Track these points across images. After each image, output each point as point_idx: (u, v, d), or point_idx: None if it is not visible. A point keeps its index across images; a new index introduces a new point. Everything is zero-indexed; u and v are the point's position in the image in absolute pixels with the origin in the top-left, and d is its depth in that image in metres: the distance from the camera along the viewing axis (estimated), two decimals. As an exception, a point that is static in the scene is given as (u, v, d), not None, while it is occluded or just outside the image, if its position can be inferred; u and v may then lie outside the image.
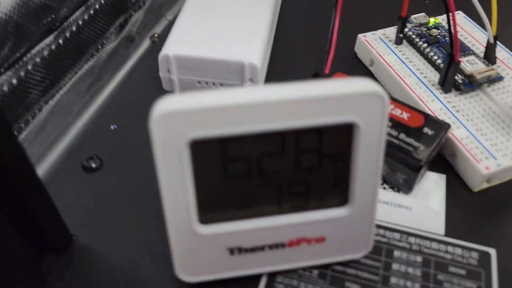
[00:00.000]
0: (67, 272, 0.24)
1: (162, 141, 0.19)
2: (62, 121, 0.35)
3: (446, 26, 0.33)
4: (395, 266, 0.24)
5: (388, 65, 0.32)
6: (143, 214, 0.26)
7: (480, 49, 0.33)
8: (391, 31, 0.35)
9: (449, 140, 0.28)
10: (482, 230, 0.26)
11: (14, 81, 0.31)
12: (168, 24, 0.43)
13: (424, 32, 0.33)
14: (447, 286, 0.23)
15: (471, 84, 0.30)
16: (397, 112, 0.28)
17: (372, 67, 0.34)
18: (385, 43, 0.34)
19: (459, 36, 0.34)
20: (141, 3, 0.43)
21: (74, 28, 0.35)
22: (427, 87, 0.31)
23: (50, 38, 0.33)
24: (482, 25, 0.31)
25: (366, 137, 0.20)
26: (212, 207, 0.21)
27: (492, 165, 0.26)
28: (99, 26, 0.37)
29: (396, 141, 0.26)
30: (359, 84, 0.19)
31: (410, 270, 0.24)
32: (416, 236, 0.25)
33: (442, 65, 0.31)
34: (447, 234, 0.25)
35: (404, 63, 0.32)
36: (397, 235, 0.25)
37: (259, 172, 0.20)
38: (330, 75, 0.30)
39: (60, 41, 0.34)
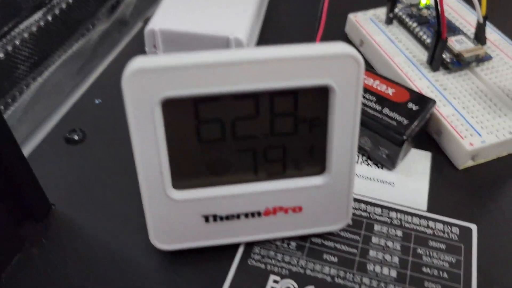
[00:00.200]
0: (44, 239, 0.24)
1: (133, 100, 0.19)
2: (52, 101, 0.35)
3: (437, 7, 0.32)
4: (374, 239, 0.24)
5: (378, 45, 0.32)
6: (123, 185, 0.26)
7: (471, 31, 0.32)
8: (381, 12, 0.34)
9: (435, 117, 0.28)
10: (465, 207, 0.25)
11: (1, 55, 0.31)
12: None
13: (414, 12, 0.33)
14: (426, 259, 0.23)
15: (459, 62, 0.30)
16: (382, 87, 0.27)
17: (362, 48, 0.34)
18: (375, 24, 0.34)
19: (450, 18, 0.33)
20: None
21: (63, 6, 0.35)
22: (415, 66, 0.30)
23: (39, 14, 0.33)
24: (474, 7, 0.31)
25: (342, 101, 0.20)
26: (186, 172, 0.21)
27: (477, 142, 0.26)
28: (89, 6, 0.37)
29: (379, 115, 0.26)
30: (334, 47, 0.19)
31: (390, 243, 0.24)
32: (397, 211, 0.25)
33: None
34: (430, 210, 0.25)
35: (393, 42, 0.32)
36: (378, 210, 0.25)
37: (234, 136, 0.20)
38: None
39: (49, 18, 0.34)
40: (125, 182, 0.26)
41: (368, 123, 0.26)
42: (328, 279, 0.22)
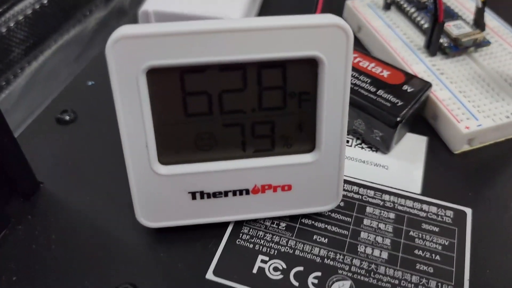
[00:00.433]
0: (31, 216, 0.23)
1: (118, 69, 0.18)
2: (47, 88, 0.35)
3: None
4: (366, 221, 0.23)
5: (375, 30, 0.32)
6: (113, 165, 0.25)
7: (470, 18, 0.32)
8: (379, -2, 0.34)
9: (431, 101, 0.27)
10: (460, 191, 0.25)
11: (-4, 37, 0.31)
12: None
13: (412, -2, 0.33)
14: (419, 242, 0.23)
15: (456, 47, 0.29)
16: (377, 70, 0.27)
17: (360, 34, 0.33)
18: (373, 9, 0.33)
19: (449, 4, 0.33)
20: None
21: (60, -10, 0.35)
22: (412, 51, 0.30)
23: (34, -3, 0.33)
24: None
25: (331, 74, 0.19)
26: (172, 146, 0.20)
27: (473, 125, 0.26)
28: (86, -9, 0.37)
29: (373, 97, 0.25)
30: (322, 18, 0.19)
31: (382, 226, 0.23)
32: (390, 193, 0.25)
33: (428, 29, 0.30)
34: (424, 193, 0.25)
35: (391, 28, 0.32)
36: (371, 192, 0.25)
37: (221, 110, 0.20)
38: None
39: (45, 1, 0.34)
40: (115, 162, 0.25)
41: (362, 105, 0.25)
42: (318, 260, 0.22)
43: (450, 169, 0.26)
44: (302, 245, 0.22)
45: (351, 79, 0.26)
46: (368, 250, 0.22)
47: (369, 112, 0.25)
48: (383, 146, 0.26)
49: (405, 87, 0.26)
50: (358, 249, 0.22)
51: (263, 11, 0.36)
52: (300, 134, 0.21)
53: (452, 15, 0.31)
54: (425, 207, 0.24)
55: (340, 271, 0.21)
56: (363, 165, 0.26)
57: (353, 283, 0.21)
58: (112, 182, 0.25)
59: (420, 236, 0.23)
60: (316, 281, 0.21)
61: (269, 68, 0.19)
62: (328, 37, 0.19)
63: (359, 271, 0.21)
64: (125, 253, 0.22)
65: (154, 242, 0.22)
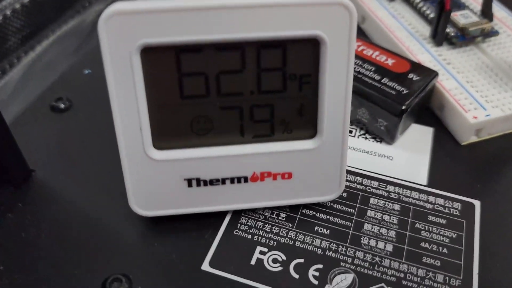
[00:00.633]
0: (21, 204, 0.22)
1: (111, 47, 0.17)
2: (45, 79, 0.34)
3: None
4: (370, 213, 0.22)
5: (380, 20, 0.31)
6: (107, 154, 0.24)
7: (477, 8, 0.31)
8: (384, -11, 0.33)
9: (437, 91, 0.26)
10: (467, 183, 0.24)
11: (-9, 24, 0.30)
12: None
13: (418, -12, 0.32)
14: (425, 234, 0.22)
15: (463, 36, 0.28)
16: (382, 58, 0.26)
17: (364, 24, 0.33)
18: (378, 1, 0.32)
19: (455, -6, 0.32)
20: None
21: (58, -21, 0.34)
22: (418, 41, 0.29)
23: (32, -14, 0.32)
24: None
25: (333, 55, 0.18)
26: (167, 130, 0.20)
27: (481, 115, 0.25)
28: (86, -19, 0.37)
29: (378, 85, 0.24)
30: (325, -5, 0.18)
31: (386, 217, 0.22)
32: (395, 184, 0.24)
33: (435, 19, 0.29)
34: (430, 185, 0.24)
35: (395, 18, 0.31)
36: (375, 183, 0.24)
37: (218, 92, 0.19)
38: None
39: (43, -10, 0.33)
40: (109, 151, 0.24)
41: (366, 93, 0.24)
42: (319, 251, 0.21)
43: (457, 161, 0.25)
44: (303, 236, 0.21)
45: (354, 67, 0.25)
46: (372, 242, 0.21)
47: (373, 100, 0.24)
48: (387, 136, 0.25)
49: (410, 75, 0.25)
50: (362, 241, 0.21)
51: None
52: (301, 119, 0.20)
53: (459, 5, 0.30)
54: (431, 198, 0.23)
55: (342, 264, 0.21)
56: (367, 155, 0.25)
57: (356, 276, 0.20)
58: (105, 170, 0.24)
59: (426, 229, 0.22)
60: (317, 273, 0.20)
61: (268, 48, 0.18)
62: (331, 15, 0.18)
63: (362, 264, 0.21)
64: (117, 243, 0.21)
65: (148, 232, 0.21)
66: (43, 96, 0.28)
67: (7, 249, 0.21)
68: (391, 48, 0.29)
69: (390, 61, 0.26)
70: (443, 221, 0.22)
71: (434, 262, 0.21)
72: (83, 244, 0.21)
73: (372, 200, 0.23)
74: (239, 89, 0.19)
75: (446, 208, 0.23)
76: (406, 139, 0.26)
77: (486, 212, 0.22)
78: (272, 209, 0.22)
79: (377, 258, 0.21)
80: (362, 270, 0.20)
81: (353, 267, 0.20)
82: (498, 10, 0.31)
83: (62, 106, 0.27)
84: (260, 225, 0.22)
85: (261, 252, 0.21)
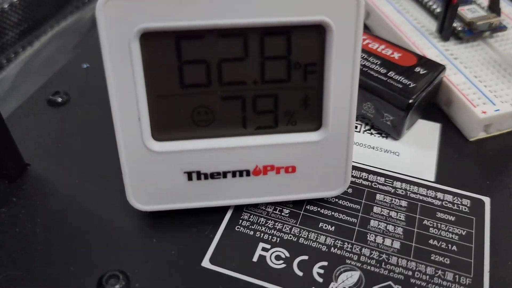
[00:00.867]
0: (15, 199, 0.22)
1: (108, 32, 0.17)
2: (43, 75, 0.34)
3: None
4: (376, 209, 0.22)
5: (385, 15, 0.30)
6: (104, 148, 0.24)
7: (484, 4, 0.30)
8: (389, -16, 0.33)
9: (445, 86, 0.25)
10: (477, 179, 0.23)
11: (-12, 18, 0.29)
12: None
13: (424, -17, 0.31)
14: (434, 231, 0.21)
15: (471, 31, 0.28)
16: (388, 51, 0.25)
17: (368, 20, 0.32)
18: (382, -4, 0.32)
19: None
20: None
21: (57, -26, 0.33)
22: (424, 35, 0.28)
23: (30, -20, 0.32)
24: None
25: (340, 42, 0.18)
26: (167, 120, 0.19)
27: (490, 110, 0.24)
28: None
29: (384, 78, 0.24)
30: (332, -20, 0.17)
31: (393, 214, 0.21)
32: (402, 180, 0.23)
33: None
34: (438, 181, 0.23)
35: (401, 13, 0.30)
36: (381, 179, 0.23)
37: (220, 81, 0.18)
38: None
39: (42, -15, 0.32)
40: (106, 145, 0.24)
41: (372, 87, 0.24)
42: (324, 248, 0.20)
43: (465, 157, 0.24)
44: (307, 233, 0.21)
45: (360, 61, 0.25)
46: (379, 239, 0.21)
47: (379, 94, 0.24)
48: (393, 131, 0.24)
49: (417, 69, 0.24)
50: (368, 238, 0.21)
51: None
52: (306, 110, 0.19)
53: (466, 0, 0.30)
54: (439, 195, 0.22)
55: (348, 261, 0.20)
56: (372, 151, 0.24)
57: (362, 274, 0.19)
58: (103, 165, 0.23)
59: (435, 225, 0.21)
60: (322, 271, 0.19)
61: (272, 35, 0.18)
62: (338, 1, 0.17)
63: (369, 261, 0.20)
64: (115, 238, 0.20)
65: (146, 227, 0.21)
66: (40, 90, 0.27)
67: (0, 244, 0.20)
68: (397, 44, 0.28)
69: (396, 55, 0.25)
70: (452, 218, 0.21)
71: (443, 260, 0.20)
72: (79, 240, 0.20)
73: (379, 196, 0.22)
74: (242, 78, 0.18)
75: (455, 204, 0.22)
76: (413, 135, 0.25)
77: (496, 209, 0.22)
78: (275, 204, 0.22)
79: (384, 256, 0.20)
80: (369, 267, 0.20)
81: (359, 264, 0.20)
82: (505, 6, 0.31)
83: (59, 100, 0.26)
84: (263, 221, 0.21)
85: (264, 249, 0.20)
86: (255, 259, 0.20)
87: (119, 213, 0.21)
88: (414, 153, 0.24)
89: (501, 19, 0.29)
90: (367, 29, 0.32)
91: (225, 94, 0.19)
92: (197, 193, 0.20)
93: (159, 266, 0.19)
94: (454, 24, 0.28)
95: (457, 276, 0.19)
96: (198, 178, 0.20)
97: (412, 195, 0.22)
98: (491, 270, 0.19)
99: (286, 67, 0.18)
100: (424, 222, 0.21)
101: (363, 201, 0.22)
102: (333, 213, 0.21)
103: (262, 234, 0.21)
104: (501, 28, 0.28)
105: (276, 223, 0.21)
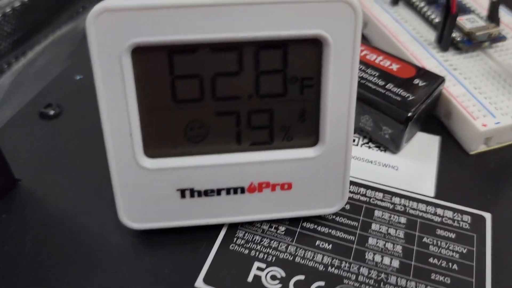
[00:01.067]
0: (5, 215, 0.21)
1: (99, 46, 0.16)
2: (37, 85, 0.33)
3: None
4: (374, 226, 0.21)
5: (382, 25, 0.30)
6: (96, 163, 0.23)
7: (483, 14, 0.30)
8: (387, -7, 0.32)
9: (444, 97, 0.25)
10: (477, 194, 0.23)
11: (-20, 28, 0.29)
12: None
13: (422, -7, 0.31)
14: (434, 249, 0.20)
15: (470, 41, 0.27)
16: (386, 63, 0.25)
17: (366, 30, 0.31)
18: (380, 5, 0.31)
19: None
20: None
21: (50, -18, 0.33)
22: (423, 46, 0.28)
23: (23, -11, 0.31)
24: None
25: (337, 56, 0.17)
26: (159, 136, 0.18)
27: (490, 123, 0.23)
28: (79, -15, 0.36)
29: (382, 91, 0.23)
30: (328, -8, 0.17)
31: (392, 231, 0.21)
32: (401, 196, 0.22)
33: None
34: (437, 196, 0.22)
35: (399, 22, 0.30)
36: (379, 194, 0.22)
37: (214, 96, 0.18)
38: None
39: (34, -6, 0.32)
40: (98, 160, 0.23)
41: (370, 99, 0.23)
42: (321, 267, 0.20)
43: (466, 171, 0.24)
44: (304, 251, 0.20)
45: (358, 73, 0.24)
46: (377, 258, 0.20)
47: (377, 107, 0.23)
48: (392, 145, 0.24)
49: (416, 81, 0.24)
50: (366, 257, 0.20)
51: None
52: (302, 126, 0.19)
53: (465, 10, 0.29)
54: (439, 211, 0.22)
55: (345, 281, 0.19)
56: (370, 165, 0.24)
57: (360, 294, 0.19)
58: (95, 180, 0.22)
59: (435, 243, 0.20)
60: (318, 291, 0.19)
61: (267, 49, 0.17)
62: (334, 13, 0.17)
63: (367, 281, 0.19)
64: (106, 256, 0.20)
65: (138, 244, 0.20)
66: (32, 102, 0.27)
67: (-13, 263, 0.19)
68: (395, 54, 0.28)
69: (394, 66, 0.25)
70: (452, 235, 0.21)
71: (444, 279, 0.19)
72: (70, 258, 0.20)
73: (377, 213, 0.22)
74: (236, 92, 0.18)
75: (455, 221, 0.21)
76: (412, 148, 0.24)
77: (497, 225, 0.21)
78: (270, 221, 0.21)
79: (382, 275, 0.19)
80: (367, 287, 0.19)
81: (357, 284, 0.19)
82: (504, 15, 0.30)
83: (52, 112, 0.26)
84: (258, 239, 0.20)
85: (259, 268, 0.19)
86: (250, 279, 0.19)
87: (111, 230, 0.21)
88: (413, 167, 0.24)
89: (500, 29, 0.29)
90: (364, 39, 0.31)
91: (219, 109, 0.18)
92: (191, 210, 0.20)
93: (151, 285, 0.19)
94: (453, 35, 0.27)
95: (458, 296, 0.19)
96: (192, 195, 0.19)
97: (411, 211, 0.22)
98: (493, 289, 0.19)
99: (282, 81, 0.18)
100: (423, 240, 0.21)
101: (361, 217, 0.21)
102: (330, 230, 0.21)
103: (257, 252, 0.20)
104: (501, 38, 0.28)
105: (272, 241, 0.20)
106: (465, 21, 0.28)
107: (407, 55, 0.27)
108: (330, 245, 0.20)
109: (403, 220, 0.21)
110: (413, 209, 0.22)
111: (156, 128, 0.18)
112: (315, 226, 0.21)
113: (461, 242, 0.21)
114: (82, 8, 0.36)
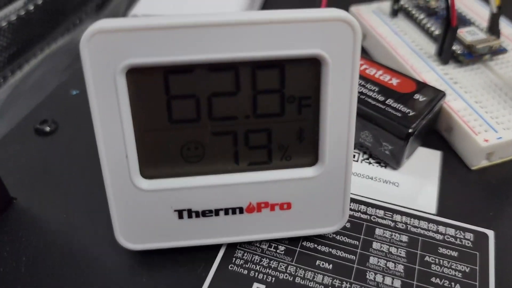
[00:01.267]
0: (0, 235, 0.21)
1: (94, 67, 0.16)
2: (33, 99, 0.33)
3: (446, -1, 0.30)
4: (375, 245, 0.21)
5: (381, 37, 0.30)
6: (92, 181, 0.23)
7: (483, 25, 0.30)
8: (386, 5, 0.32)
9: (445, 112, 0.25)
10: (480, 211, 0.22)
11: (-24, 43, 0.29)
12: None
13: (421, 4, 0.31)
14: (436, 268, 0.20)
15: (470, 54, 0.27)
16: (386, 77, 0.25)
17: (365, 42, 0.31)
18: (379, 16, 0.31)
19: (460, 11, 0.31)
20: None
21: (48, -4, 0.33)
22: (422, 59, 0.28)
23: (19, 3, 0.31)
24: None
25: (335, 75, 0.17)
26: (155, 157, 0.18)
27: (492, 138, 0.23)
28: (76, -2, 0.35)
29: (382, 106, 0.23)
30: (325, 12, 0.16)
31: (393, 250, 0.21)
32: (402, 213, 0.22)
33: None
34: (439, 213, 0.22)
35: (398, 35, 0.30)
36: (380, 212, 0.22)
37: (210, 116, 0.18)
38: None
39: (31, 8, 0.32)
40: (95, 177, 0.23)
41: (369, 115, 0.23)
42: (321, 288, 0.19)
43: (467, 187, 0.23)
44: (303, 271, 0.20)
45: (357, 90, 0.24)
46: (379, 278, 0.20)
47: (377, 123, 0.23)
48: (392, 161, 0.23)
49: (416, 96, 0.24)
50: (367, 277, 0.20)
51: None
52: (301, 145, 0.19)
53: (465, 22, 0.29)
54: (441, 229, 0.21)
55: (346, 302, 0.19)
56: (371, 181, 0.23)
57: (361, 316, 0.18)
58: (91, 198, 0.22)
59: (437, 262, 0.20)
60: (319, 313, 0.18)
61: (265, 69, 0.17)
62: (332, 33, 0.16)
63: (368, 302, 0.19)
64: (103, 277, 0.19)
65: (135, 265, 0.20)
66: (27, 118, 0.27)
67: (-19, 287, 0.19)
68: (394, 67, 0.27)
69: (394, 81, 0.24)
70: (455, 254, 0.20)
71: (447, 299, 0.19)
72: (66, 279, 0.19)
73: (378, 231, 0.21)
74: (233, 112, 0.18)
75: (458, 239, 0.21)
76: (413, 164, 0.24)
77: (500, 243, 0.21)
78: (269, 241, 0.21)
79: (384, 295, 0.19)
80: (369, 309, 0.19)
81: (358, 305, 0.19)
82: (505, 26, 0.30)
83: (47, 129, 0.25)
84: (257, 259, 0.20)
85: (258, 289, 0.19)
86: (249, 300, 0.19)
87: (107, 250, 0.20)
88: (415, 183, 0.23)
89: (501, 41, 0.28)
90: (363, 51, 0.31)
91: (216, 129, 0.18)
92: (188, 231, 0.19)
93: (148, 309, 0.19)
94: (454, 47, 0.27)
95: (461, 317, 0.18)
96: (189, 216, 0.19)
97: (413, 229, 0.21)
98: (497, 310, 0.19)
99: (280, 101, 0.18)
100: (425, 259, 0.20)
101: (361, 236, 0.21)
102: (330, 249, 0.21)
103: (257, 273, 0.20)
104: (501, 50, 0.27)
105: (271, 261, 0.20)
106: (465, 34, 0.27)
107: (406, 68, 0.27)
108: (331, 265, 0.20)
109: (404, 238, 0.21)
110: (415, 226, 0.21)
111: (152, 148, 0.18)
112: (315, 245, 0.21)
113: (463, 261, 0.20)
114: (78, 20, 0.36)
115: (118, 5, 0.40)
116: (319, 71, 0.17)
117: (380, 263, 0.20)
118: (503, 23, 0.30)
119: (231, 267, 0.20)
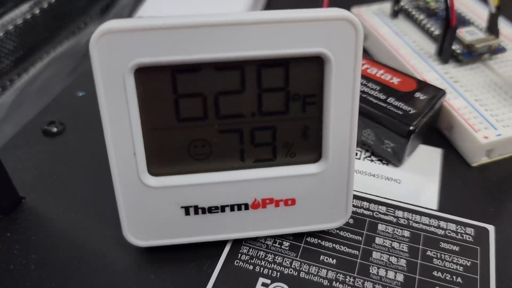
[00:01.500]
0: (9, 234, 0.21)
1: (103, 67, 0.16)
2: (39, 102, 0.33)
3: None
4: (378, 240, 0.21)
5: (382, 37, 0.30)
6: (100, 180, 0.23)
7: (483, 25, 0.30)
8: (386, 6, 0.32)
9: (445, 110, 0.25)
10: (480, 206, 0.23)
11: (-17, 46, 0.29)
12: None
13: (421, 5, 0.31)
14: (437, 262, 0.20)
15: (470, 54, 0.27)
16: (387, 77, 0.25)
17: (366, 43, 0.32)
18: (380, 18, 0.32)
19: (460, 11, 0.31)
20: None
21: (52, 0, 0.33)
22: (423, 59, 0.28)
23: (25, 7, 0.32)
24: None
25: (339, 73, 0.17)
26: (163, 155, 0.18)
27: (492, 135, 0.24)
28: (80, 1, 0.36)
29: (383, 105, 0.23)
30: (328, 11, 0.17)
31: (396, 245, 0.21)
32: (404, 209, 0.22)
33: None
34: (440, 209, 0.22)
35: (399, 35, 0.30)
36: (383, 208, 0.22)
37: (217, 115, 0.18)
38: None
39: (37, 11, 0.32)
40: (103, 177, 0.23)
41: (371, 114, 0.23)
42: (325, 283, 0.20)
43: (468, 183, 0.24)
44: (308, 266, 0.20)
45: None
46: (382, 272, 0.20)
47: (379, 121, 0.23)
48: (394, 158, 0.24)
49: (417, 94, 0.24)
50: (370, 271, 0.20)
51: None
52: (305, 142, 0.19)
53: (464, 22, 0.30)
54: (442, 224, 0.22)
55: (350, 296, 0.19)
56: (373, 179, 0.24)
57: (365, 309, 0.19)
58: (99, 197, 0.23)
59: (438, 256, 0.21)
60: (323, 307, 0.19)
61: (270, 68, 0.17)
62: (335, 32, 0.17)
63: (371, 296, 0.19)
64: (110, 274, 0.20)
65: (143, 262, 0.20)
66: (35, 120, 0.27)
67: (-8, 283, 0.19)
68: (395, 67, 0.28)
69: (395, 80, 0.25)
70: (456, 248, 0.21)
71: (449, 293, 0.19)
72: (75, 275, 0.20)
73: (380, 227, 0.22)
74: (239, 110, 0.18)
75: (459, 234, 0.21)
76: (414, 161, 0.25)
77: (501, 238, 0.21)
78: (274, 237, 0.21)
79: (387, 289, 0.19)
80: (372, 302, 0.19)
81: (362, 299, 0.19)
82: (504, 26, 0.31)
83: (55, 130, 0.26)
84: (262, 255, 0.21)
85: (264, 284, 0.20)
86: (255, 295, 0.19)
87: (115, 248, 0.21)
88: (416, 180, 0.24)
89: (500, 40, 0.29)
90: (365, 52, 0.32)
91: (223, 127, 0.18)
92: (195, 227, 0.20)
93: (156, 304, 0.19)
94: (453, 47, 0.27)
95: (463, 310, 0.19)
96: (196, 212, 0.19)
97: (415, 225, 0.22)
98: (498, 303, 0.19)
99: (284, 99, 0.18)
100: (427, 253, 0.21)
101: (364, 231, 0.21)
102: (334, 245, 0.21)
103: (262, 268, 0.20)
104: (501, 50, 0.28)
105: (276, 257, 0.20)
106: (465, 34, 0.28)
107: (407, 68, 0.28)
108: (334, 260, 0.20)
109: (406, 233, 0.21)
110: (417, 222, 0.22)
111: (160, 146, 0.18)
112: (319, 241, 0.21)
113: (465, 255, 0.21)
114: (83, 24, 0.37)
115: (122, 9, 0.41)
116: (322, 69, 0.17)
117: (383, 257, 0.20)
118: (502, 23, 0.31)
119: (236, 262, 0.20)
